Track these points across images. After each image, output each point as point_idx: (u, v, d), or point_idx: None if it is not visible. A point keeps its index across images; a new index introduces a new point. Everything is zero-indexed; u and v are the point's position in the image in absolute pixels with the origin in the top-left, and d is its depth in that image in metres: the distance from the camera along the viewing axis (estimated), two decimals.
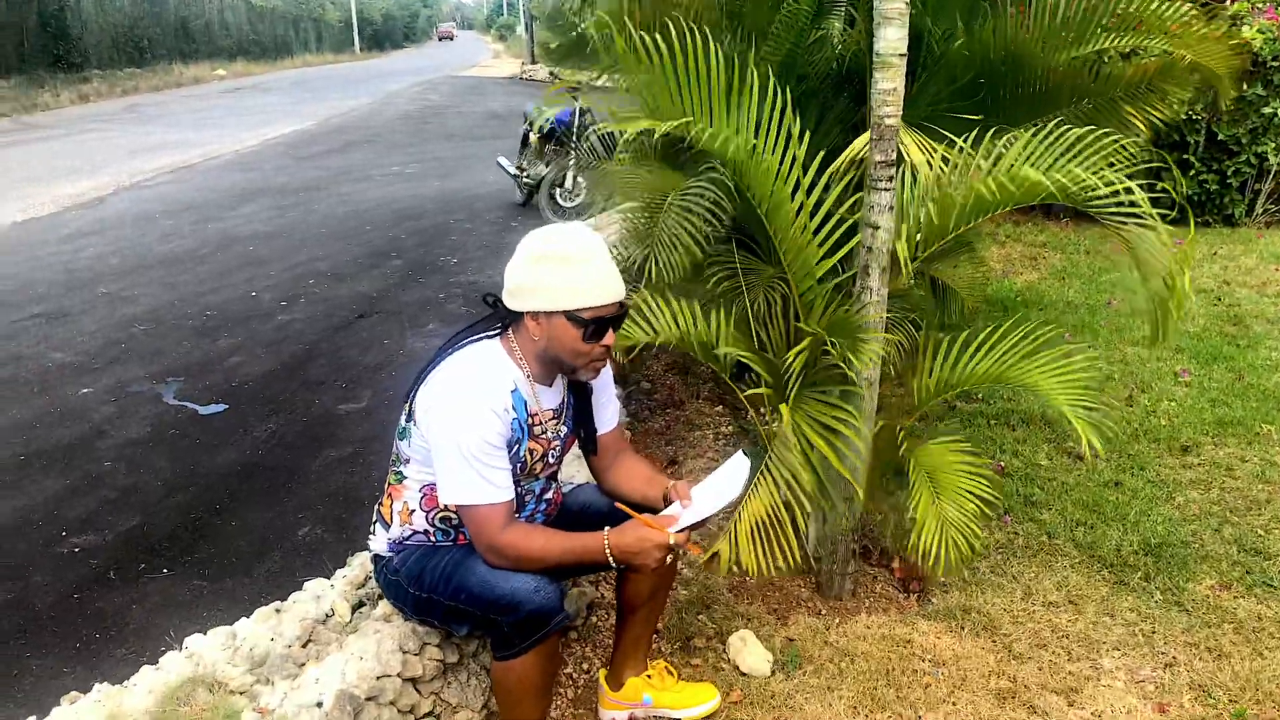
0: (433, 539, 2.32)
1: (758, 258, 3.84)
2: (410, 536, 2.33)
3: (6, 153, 13.63)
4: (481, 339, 2.25)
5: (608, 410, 2.48)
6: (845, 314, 2.93)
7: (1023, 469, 4.00)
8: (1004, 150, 2.88)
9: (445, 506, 2.25)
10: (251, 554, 3.40)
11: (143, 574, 3.28)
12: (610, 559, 2.14)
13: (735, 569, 2.62)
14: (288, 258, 7.59)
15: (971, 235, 4.20)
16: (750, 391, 3.05)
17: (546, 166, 8.85)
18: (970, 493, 2.84)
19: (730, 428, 4.44)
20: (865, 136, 3.07)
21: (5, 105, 20.47)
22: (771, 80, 2.85)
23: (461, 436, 2.09)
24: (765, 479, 2.78)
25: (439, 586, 2.23)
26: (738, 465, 2.34)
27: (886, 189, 2.89)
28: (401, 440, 2.30)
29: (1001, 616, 3.01)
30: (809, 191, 2.86)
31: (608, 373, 2.50)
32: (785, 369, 2.90)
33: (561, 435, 2.36)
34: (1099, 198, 2.71)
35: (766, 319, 3.45)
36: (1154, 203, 2.71)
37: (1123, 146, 3.57)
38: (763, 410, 3.37)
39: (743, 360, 3.12)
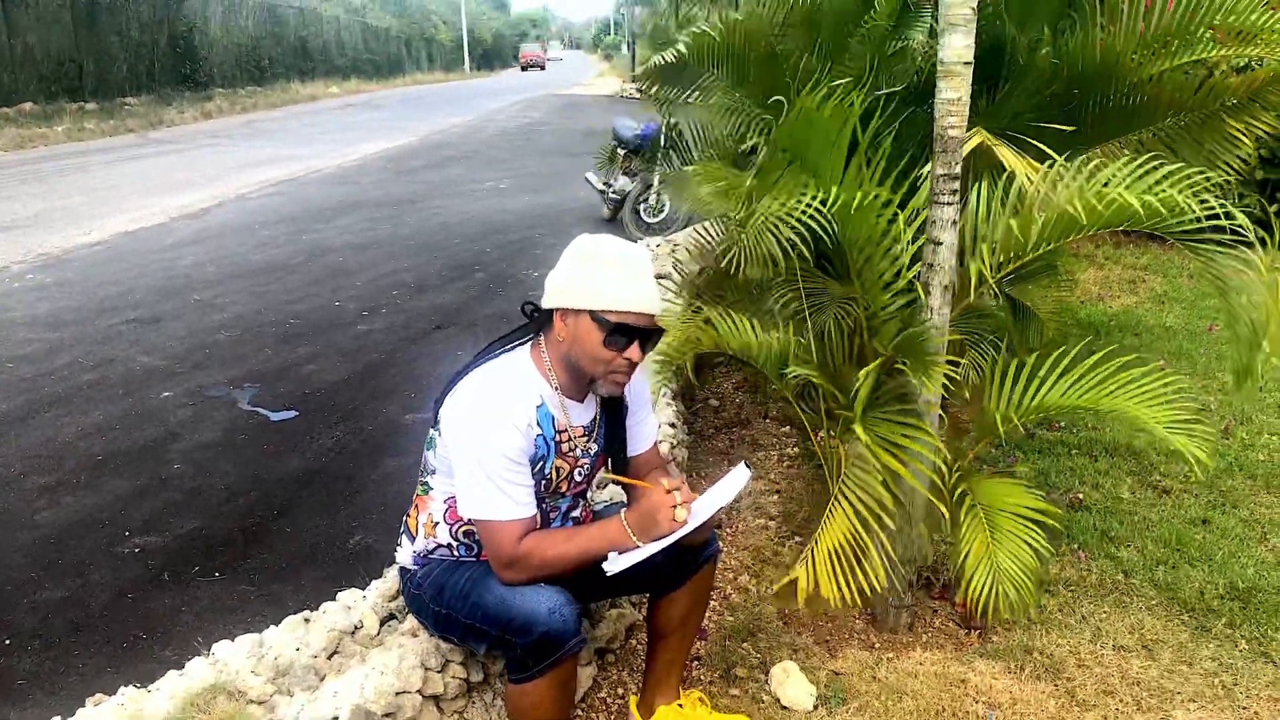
0: (456, 553, 2.27)
1: (828, 276, 3.72)
2: (434, 550, 2.29)
3: (128, 166, 14.28)
4: (513, 348, 2.21)
5: (644, 429, 2.40)
6: (914, 334, 2.79)
7: (1102, 502, 3.77)
8: (1093, 172, 2.73)
9: (468, 520, 2.21)
10: (302, 561, 3.42)
11: (196, 577, 3.32)
12: (631, 535, 2.08)
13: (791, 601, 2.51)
14: (375, 268, 7.73)
15: (1053, 257, 4.00)
16: (816, 406, 2.92)
17: (632, 182, 8.83)
18: (1027, 541, 2.67)
19: (796, 449, 4.31)
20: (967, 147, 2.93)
21: (134, 121, 21.53)
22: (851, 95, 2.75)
23: (481, 450, 2.04)
24: (841, 504, 2.66)
25: (457, 603, 2.18)
26: (738, 475, 2.25)
27: (949, 203, 2.76)
28: (429, 450, 2.26)
29: (1067, 659, 2.82)
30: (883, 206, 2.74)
31: (645, 393, 2.42)
32: (853, 390, 2.78)
33: (591, 454, 2.29)
34: (1186, 223, 2.53)
35: (832, 339, 3.33)
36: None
37: (1226, 165, 3.37)
38: (822, 432, 3.24)
39: (810, 380, 3.01)
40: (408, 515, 2.37)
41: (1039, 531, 2.68)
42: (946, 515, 2.80)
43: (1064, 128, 3.22)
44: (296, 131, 20.04)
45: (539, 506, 2.22)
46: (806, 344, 3.25)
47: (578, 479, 2.29)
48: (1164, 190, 2.55)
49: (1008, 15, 3.49)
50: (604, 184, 9.28)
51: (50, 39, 21.68)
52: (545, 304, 2.13)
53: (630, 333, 2.07)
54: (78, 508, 3.81)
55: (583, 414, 2.25)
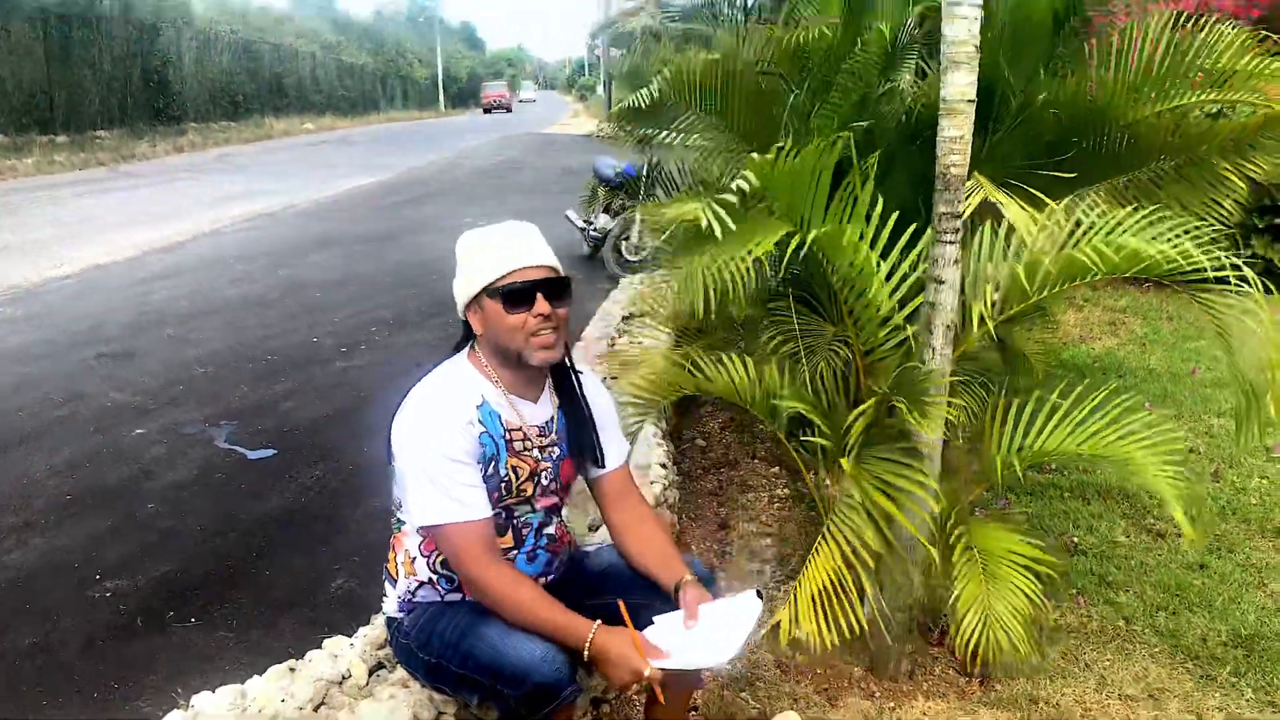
0: (439, 589, 2.18)
1: (819, 316, 3.68)
2: (416, 590, 2.20)
3: (99, 199, 14.13)
4: (450, 358, 2.20)
5: (610, 449, 2.30)
6: (914, 374, 2.75)
7: (1097, 546, 3.73)
8: (1095, 219, 2.73)
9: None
10: (282, 605, 3.30)
11: (171, 622, 3.20)
12: (585, 653, 1.97)
13: (790, 646, 2.44)
14: (354, 304, 7.63)
15: (1049, 299, 4.00)
16: (807, 439, 2.86)
17: (613, 220, 8.82)
18: (1021, 588, 2.63)
19: (786, 490, 4.25)
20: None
21: (105, 154, 21.36)
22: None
23: (423, 456, 2.01)
24: (827, 542, 2.60)
25: (448, 652, 2.08)
26: (749, 605, 2.06)
27: (951, 241, 2.73)
28: (394, 482, 2.20)
29: (1072, 709, 2.76)
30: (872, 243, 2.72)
31: (609, 405, 2.37)
32: (846, 429, 2.73)
33: (554, 458, 2.22)
34: (1192, 273, 2.53)
35: (824, 380, 3.29)
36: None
37: (1214, 202, 3.39)
38: (817, 473, 3.19)
39: (802, 416, 2.95)
40: (387, 561, 2.29)
41: (1032, 579, 2.64)
42: (935, 559, 2.75)
43: (1059, 174, 3.22)
44: (271, 166, 19.94)
45: (510, 521, 2.16)
46: (800, 383, 3.21)
47: (544, 483, 2.21)
48: (1172, 238, 2.55)
49: (998, 58, 3.50)
50: (584, 221, 9.26)
51: (22, 71, 21.52)
52: (459, 311, 2.15)
53: (526, 290, 2.04)
54: (47, 549, 3.68)
55: (537, 413, 2.20)
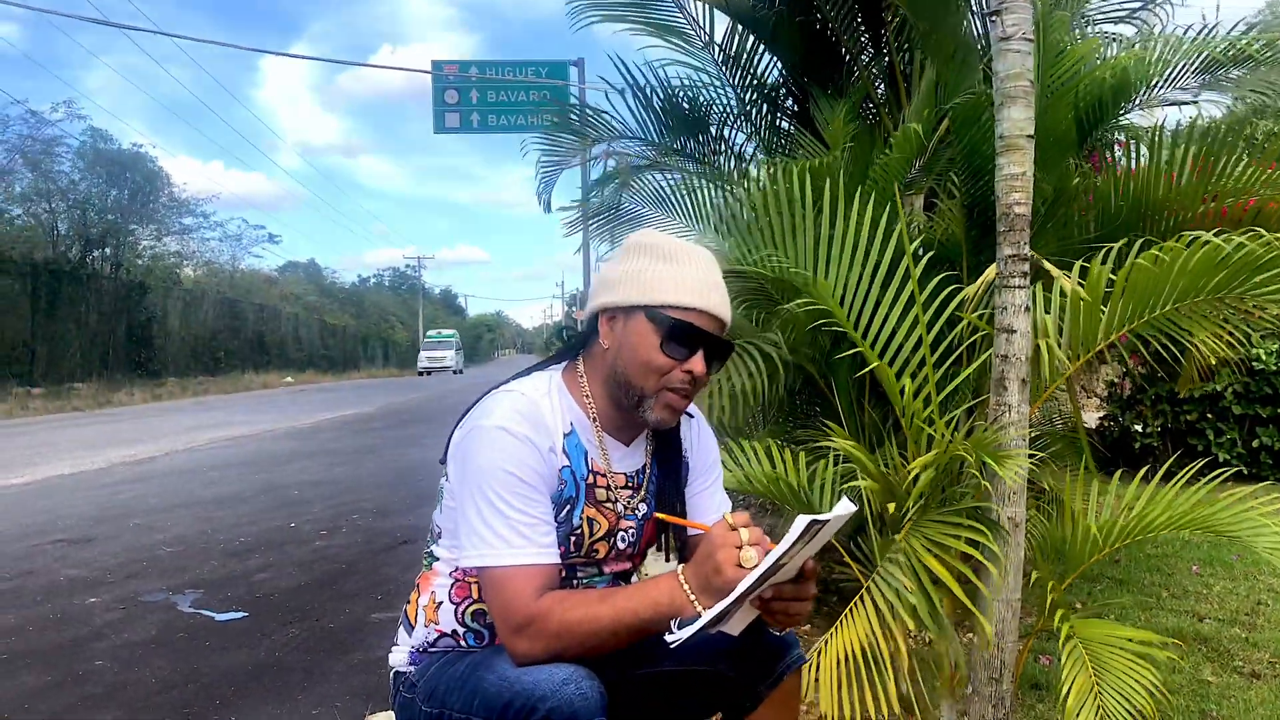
0: (462, 643, 1.72)
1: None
2: (435, 641, 1.73)
3: (71, 430, 13.79)
4: (544, 369, 1.79)
5: (710, 500, 1.88)
6: (989, 432, 2.44)
7: (1188, 685, 3.26)
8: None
9: (480, 597, 1.69)
10: None
11: None
12: (688, 591, 1.51)
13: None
14: (334, 499, 7.19)
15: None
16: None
17: None
18: (1141, 683, 2.23)
19: None
20: (993, 269, 2.77)
21: (81, 401, 21.18)
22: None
23: (486, 474, 1.57)
24: (863, 606, 2.20)
25: (451, 697, 1.61)
26: (837, 511, 1.48)
27: (1021, 285, 2.50)
28: (436, 509, 1.78)
29: None
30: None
31: (714, 452, 1.94)
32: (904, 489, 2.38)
33: (637, 515, 1.78)
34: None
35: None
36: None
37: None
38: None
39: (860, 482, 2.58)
40: (407, 604, 1.83)
41: (1151, 669, 2.23)
42: (987, 630, 2.36)
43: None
44: (249, 406, 19.81)
45: (569, 584, 1.71)
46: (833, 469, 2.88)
47: (620, 546, 1.76)
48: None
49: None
50: None
51: (5, 325, 21.70)
52: (590, 306, 1.73)
53: (694, 337, 1.65)
54: None
55: (627, 460, 1.77)
